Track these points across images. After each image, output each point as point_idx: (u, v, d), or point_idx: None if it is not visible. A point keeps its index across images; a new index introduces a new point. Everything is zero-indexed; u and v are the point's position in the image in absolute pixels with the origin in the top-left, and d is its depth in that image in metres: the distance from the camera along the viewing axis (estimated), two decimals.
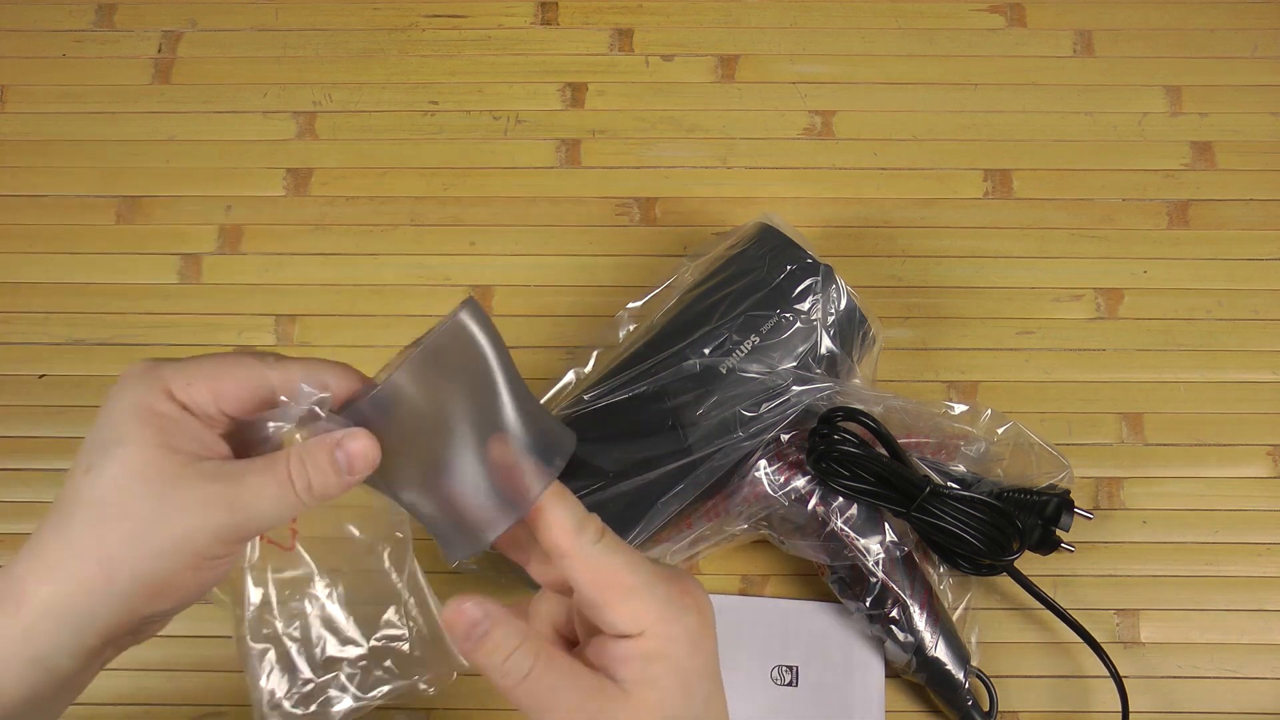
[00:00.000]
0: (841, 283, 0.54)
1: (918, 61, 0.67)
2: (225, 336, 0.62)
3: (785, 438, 0.53)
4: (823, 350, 0.53)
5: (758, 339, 0.52)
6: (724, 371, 0.52)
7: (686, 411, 0.52)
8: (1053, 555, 0.55)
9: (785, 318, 0.53)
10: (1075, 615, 0.54)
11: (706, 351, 0.52)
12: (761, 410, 0.52)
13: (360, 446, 0.36)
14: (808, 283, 0.53)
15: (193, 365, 0.37)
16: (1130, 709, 0.53)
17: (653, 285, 0.58)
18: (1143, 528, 0.59)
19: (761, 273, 0.53)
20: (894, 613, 0.53)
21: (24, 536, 0.57)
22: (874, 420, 0.52)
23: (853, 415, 0.52)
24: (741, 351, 0.52)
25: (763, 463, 0.53)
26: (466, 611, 0.35)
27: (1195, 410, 0.61)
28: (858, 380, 0.55)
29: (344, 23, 0.68)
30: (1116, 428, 0.60)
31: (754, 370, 0.52)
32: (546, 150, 0.65)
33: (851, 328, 0.54)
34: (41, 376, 0.62)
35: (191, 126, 0.66)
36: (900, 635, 0.53)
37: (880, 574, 0.53)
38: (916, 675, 0.54)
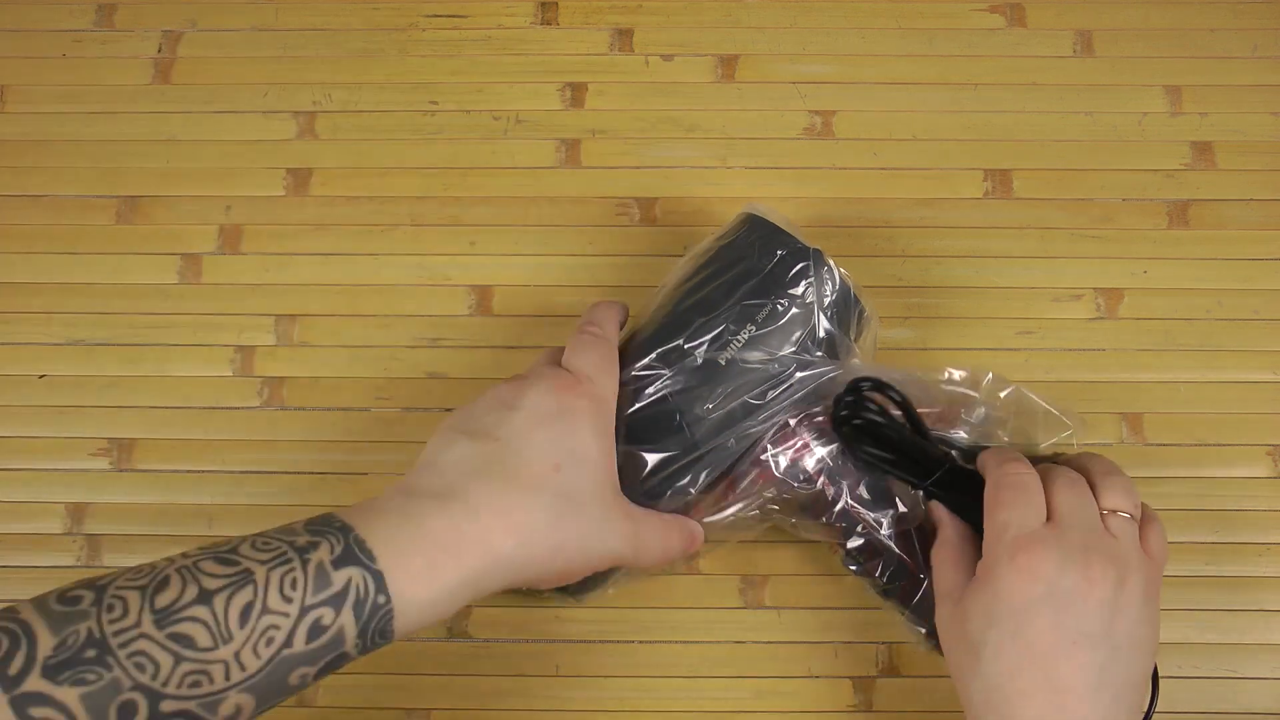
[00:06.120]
0: (833, 264, 0.53)
1: (918, 61, 0.67)
2: (225, 336, 0.62)
3: (792, 422, 0.53)
4: (821, 333, 0.53)
5: (754, 328, 0.52)
6: (724, 363, 0.52)
7: (692, 408, 0.51)
8: None
9: (781, 304, 0.52)
10: None
11: (705, 345, 0.52)
12: (768, 398, 0.52)
13: (700, 532, 0.52)
14: (799, 267, 0.53)
15: (604, 369, 0.50)
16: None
17: (650, 286, 0.58)
18: None
19: (752, 261, 0.53)
20: (910, 585, 0.53)
21: (25, 537, 0.59)
22: (900, 394, 0.52)
23: (880, 387, 0.52)
24: (739, 342, 0.52)
25: (770, 447, 0.53)
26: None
27: (1195, 410, 0.61)
28: (856, 360, 0.54)
29: (344, 23, 0.68)
30: (1116, 428, 0.60)
31: (755, 360, 0.52)
32: (546, 150, 0.65)
33: (847, 308, 0.54)
34: (41, 376, 0.62)
35: (191, 126, 0.66)
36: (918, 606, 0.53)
37: (894, 547, 0.53)
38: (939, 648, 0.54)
